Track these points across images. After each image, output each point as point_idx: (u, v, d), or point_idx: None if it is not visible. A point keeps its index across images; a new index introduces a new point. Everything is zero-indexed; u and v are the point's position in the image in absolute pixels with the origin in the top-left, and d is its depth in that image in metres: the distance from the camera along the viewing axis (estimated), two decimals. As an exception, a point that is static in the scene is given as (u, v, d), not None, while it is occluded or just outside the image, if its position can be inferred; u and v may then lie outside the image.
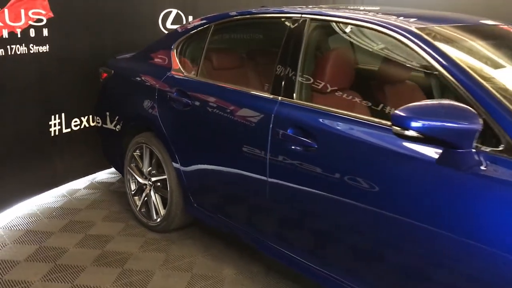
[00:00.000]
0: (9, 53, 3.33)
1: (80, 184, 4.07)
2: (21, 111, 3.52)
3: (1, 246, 3.04)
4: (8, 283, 2.65)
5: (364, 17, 2.28)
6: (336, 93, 2.40)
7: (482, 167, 1.70)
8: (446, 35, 2.19)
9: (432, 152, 1.81)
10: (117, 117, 3.44)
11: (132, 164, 3.38)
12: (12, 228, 3.28)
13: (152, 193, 3.24)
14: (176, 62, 3.09)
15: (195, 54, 3.04)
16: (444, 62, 1.92)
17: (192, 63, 3.05)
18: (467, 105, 1.76)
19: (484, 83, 1.83)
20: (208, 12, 3.19)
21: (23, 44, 3.44)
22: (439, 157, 1.77)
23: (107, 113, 3.57)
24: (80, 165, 4.07)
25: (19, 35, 3.38)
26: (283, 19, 2.58)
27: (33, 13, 3.48)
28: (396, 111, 1.71)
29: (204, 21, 3.03)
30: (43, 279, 2.71)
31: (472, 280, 1.72)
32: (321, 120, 2.18)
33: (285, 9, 2.62)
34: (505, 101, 1.77)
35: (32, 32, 3.48)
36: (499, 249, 1.63)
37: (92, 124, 4.03)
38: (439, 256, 1.79)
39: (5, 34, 3.28)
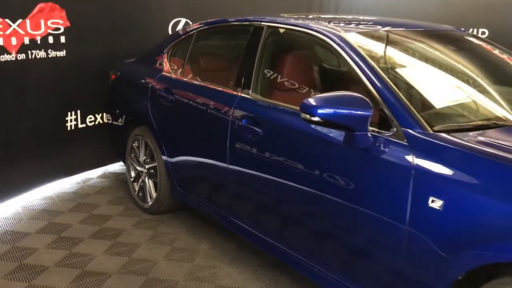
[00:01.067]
0: (30, 57, 3.91)
1: (93, 173, 4.63)
2: (41, 108, 4.09)
3: (18, 221, 3.60)
4: (18, 249, 3.19)
5: (305, 24, 2.69)
6: (284, 88, 2.80)
7: (376, 147, 2.08)
8: (370, 38, 2.57)
9: (340, 135, 2.19)
10: (121, 113, 3.96)
11: (132, 154, 3.89)
12: (29, 208, 3.85)
13: (146, 179, 3.73)
14: (166, 64, 3.59)
15: (182, 57, 3.52)
16: (356, 59, 2.31)
17: (178, 65, 3.53)
18: (370, 96, 2.14)
19: (385, 78, 2.21)
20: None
21: (43, 50, 4.01)
22: (343, 139, 2.16)
23: (117, 111, 4.09)
24: (93, 157, 4.62)
25: (39, 42, 3.96)
26: (247, 26, 3.02)
27: (51, 23, 4.05)
28: (304, 100, 2.11)
29: (190, 28, 3.51)
30: (47, 247, 3.23)
31: (370, 242, 2.10)
32: (265, 111, 2.61)
33: (249, 17, 3.06)
34: (399, 93, 2.14)
35: (50, 39, 4.06)
36: (389, 218, 2.00)
37: (105, 120, 4.56)
38: (350, 222, 2.18)
39: (26, 41, 3.86)
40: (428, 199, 1.85)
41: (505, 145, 1.89)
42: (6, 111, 3.79)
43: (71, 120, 4.40)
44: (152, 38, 4.65)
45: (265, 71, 2.81)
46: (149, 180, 3.72)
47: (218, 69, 3.36)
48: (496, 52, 2.90)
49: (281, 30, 2.86)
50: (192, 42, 3.45)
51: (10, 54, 3.74)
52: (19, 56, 3.82)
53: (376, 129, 2.13)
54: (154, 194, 3.68)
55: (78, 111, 4.45)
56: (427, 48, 2.71)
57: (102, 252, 3.18)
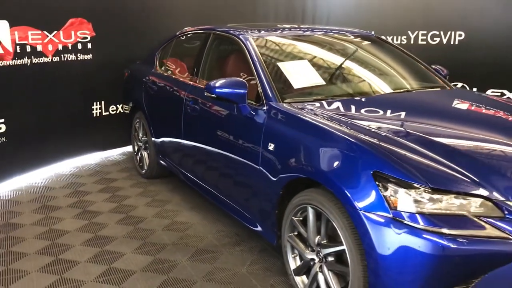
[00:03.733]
0: (63, 60, 5.30)
1: (114, 152, 5.98)
2: (71, 99, 5.48)
3: (49, 189, 4.95)
4: (46, 209, 4.54)
5: (229, 30, 3.84)
6: (216, 76, 3.93)
7: (251, 114, 3.19)
8: (268, 41, 3.67)
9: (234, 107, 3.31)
10: (128, 102, 5.27)
11: (134, 133, 5.18)
12: (59, 177, 5.22)
13: (143, 151, 5.00)
14: (156, 62, 4.85)
15: (166, 57, 4.76)
16: (253, 54, 3.42)
17: (163, 63, 4.78)
18: (257, 80, 3.24)
19: (264, 67, 3.30)
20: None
21: (73, 54, 5.40)
22: (235, 109, 3.30)
23: (127, 101, 5.40)
24: (114, 139, 5.97)
25: (69, 48, 5.35)
26: (202, 33, 4.22)
27: (80, 33, 5.44)
28: (207, 83, 3.27)
29: (172, 36, 4.75)
30: (66, 196, 4.57)
31: (246, 180, 3.21)
32: (201, 93, 3.77)
33: (202, 27, 4.25)
34: (270, 78, 3.23)
35: (79, 46, 5.45)
36: (252, 162, 3.09)
37: (123, 110, 5.89)
38: (236, 167, 3.30)
39: (60, 47, 5.26)
40: (269, 145, 2.95)
41: (320, 111, 2.94)
42: (42, 100, 5.18)
43: (96, 109, 5.77)
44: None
45: (207, 65, 3.98)
46: (145, 152, 4.99)
47: (185, 65, 4.55)
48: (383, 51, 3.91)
49: (218, 35, 4.02)
50: (172, 45, 4.69)
51: (47, 57, 5.15)
52: (54, 59, 5.21)
53: (254, 102, 3.24)
54: (147, 163, 4.94)
55: (103, 102, 5.83)
56: (311, 47, 3.77)
57: (102, 199, 4.47)
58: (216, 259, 3.39)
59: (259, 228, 3.21)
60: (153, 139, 4.67)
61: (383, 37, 4.62)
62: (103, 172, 5.26)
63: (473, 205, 2.20)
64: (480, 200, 2.21)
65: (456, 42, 6.71)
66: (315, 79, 3.35)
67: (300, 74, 3.36)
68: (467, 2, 6.62)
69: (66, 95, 5.42)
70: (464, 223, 2.15)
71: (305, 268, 2.79)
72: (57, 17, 5.21)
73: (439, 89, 3.76)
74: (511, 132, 2.85)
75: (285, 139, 2.87)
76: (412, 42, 6.97)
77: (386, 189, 2.25)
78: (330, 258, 2.59)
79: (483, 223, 2.15)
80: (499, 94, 6.60)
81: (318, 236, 2.66)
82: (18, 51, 4.81)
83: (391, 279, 2.22)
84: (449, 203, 2.19)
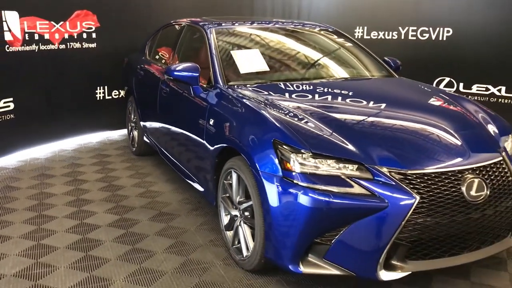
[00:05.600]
0: (68, 48, 6.00)
1: (115, 133, 6.66)
2: (77, 84, 6.18)
3: (49, 161, 5.67)
4: (42, 176, 5.25)
5: (197, 21, 4.42)
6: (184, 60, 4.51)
7: (204, 94, 3.76)
8: (229, 32, 4.23)
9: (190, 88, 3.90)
10: (124, 87, 5.93)
11: (128, 115, 5.83)
12: (61, 151, 5.93)
13: (134, 131, 5.65)
14: (146, 51, 5.48)
15: (153, 46, 5.39)
16: (211, 43, 3.99)
17: (151, 52, 5.40)
18: (210, 65, 3.81)
19: (217, 55, 3.87)
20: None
21: (78, 42, 6.09)
22: (191, 91, 3.88)
23: (125, 88, 6.06)
24: (116, 121, 6.64)
25: (75, 37, 6.05)
26: (178, 24, 4.82)
27: (85, 24, 6.13)
28: (167, 67, 3.85)
29: (159, 27, 5.37)
30: (61, 168, 5.26)
31: (198, 153, 3.77)
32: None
33: (180, 20, 4.85)
34: (220, 64, 3.79)
35: (84, 35, 6.13)
36: (199, 137, 3.67)
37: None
38: (191, 143, 3.87)
39: (66, 36, 5.96)
40: (210, 120, 3.52)
41: (252, 93, 3.48)
42: (49, 83, 5.89)
43: (99, 93, 6.47)
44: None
45: (180, 53, 4.57)
46: (135, 132, 5.63)
47: (166, 53, 5.15)
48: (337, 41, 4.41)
49: (190, 27, 4.60)
50: (158, 36, 5.31)
51: (54, 44, 5.85)
52: (60, 46, 5.91)
53: (206, 85, 3.81)
54: (137, 142, 5.58)
55: (106, 87, 6.51)
56: (267, 38, 4.30)
57: (92, 171, 5.14)
58: (172, 220, 3.98)
59: (203, 191, 3.79)
60: (139, 119, 5.31)
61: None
62: (101, 149, 5.93)
63: (349, 168, 2.70)
64: (355, 165, 2.71)
65: (444, 38, 7.08)
66: (261, 65, 3.88)
67: (249, 61, 3.90)
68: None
69: (71, 79, 6.12)
70: (337, 182, 2.66)
71: (232, 224, 3.34)
72: (64, 9, 5.90)
73: (379, 78, 4.21)
74: (415, 114, 3.32)
75: (219, 115, 3.43)
76: (402, 37, 7.37)
77: (281, 153, 2.78)
78: (246, 213, 3.13)
79: (352, 183, 2.65)
80: (484, 89, 6.94)
81: (239, 196, 3.20)
82: (27, 38, 5.52)
83: (279, 227, 2.75)
84: (328, 166, 2.70)
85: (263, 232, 2.88)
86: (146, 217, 4.02)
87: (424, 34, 7.23)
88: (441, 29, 7.11)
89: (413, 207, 2.60)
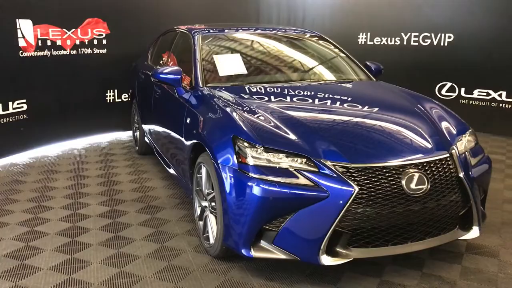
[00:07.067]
0: (80, 53, 6.45)
1: (124, 134, 7.07)
2: (88, 87, 6.62)
3: (58, 158, 6.10)
4: (48, 172, 5.68)
5: (187, 28, 4.75)
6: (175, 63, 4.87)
7: (186, 95, 4.09)
8: (215, 37, 4.55)
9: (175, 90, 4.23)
10: (129, 90, 6.33)
11: (133, 116, 6.23)
12: (70, 150, 6.36)
13: (137, 132, 6.04)
14: (148, 56, 5.87)
15: (153, 51, 5.77)
16: (196, 48, 4.32)
17: (151, 57, 5.78)
18: (193, 68, 4.14)
19: (199, 59, 4.19)
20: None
21: (89, 48, 6.54)
22: (175, 92, 4.22)
23: (130, 91, 6.46)
24: (125, 123, 7.05)
25: (86, 43, 6.49)
26: (174, 32, 5.17)
27: (96, 31, 6.57)
28: (154, 69, 4.21)
29: (160, 34, 5.75)
30: (68, 169, 5.67)
31: (179, 148, 4.10)
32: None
33: (176, 27, 5.20)
34: (201, 67, 4.12)
35: (95, 41, 6.57)
36: (179, 135, 3.99)
37: (133, 97, 6.95)
38: (174, 141, 4.20)
39: (77, 42, 6.40)
40: (187, 119, 3.84)
41: (225, 94, 3.78)
42: (61, 86, 6.34)
43: (110, 96, 6.89)
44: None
45: (174, 56, 4.93)
46: (138, 132, 6.01)
47: (164, 57, 5.50)
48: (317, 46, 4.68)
49: (182, 33, 4.95)
50: (158, 42, 5.69)
51: (66, 50, 6.30)
52: (72, 52, 6.37)
53: (189, 87, 4.14)
54: (139, 142, 5.96)
55: (116, 90, 6.93)
56: (251, 43, 4.60)
57: (95, 168, 5.53)
58: (157, 212, 4.31)
59: (184, 185, 4.11)
60: (141, 119, 5.68)
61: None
62: (107, 149, 6.34)
63: (297, 162, 2.97)
64: (303, 159, 2.98)
65: (446, 44, 7.23)
66: (240, 69, 4.19)
67: (229, 65, 4.21)
68: (456, 6, 7.12)
69: (82, 83, 6.56)
70: (284, 174, 2.93)
71: (202, 214, 3.64)
72: (76, 17, 6.35)
73: (352, 80, 4.45)
74: (372, 112, 3.56)
75: (194, 113, 3.75)
76: (405, 43, 7.55)
77: (238, 148, 3.08)
78: (212, 203, 3.43)
79: (298, 175, 2.92)
80: (485, 94, 7.05)
81: (207, 188, 3.51)
82: (40, 44, 5.98)
83: (234, 215, 3.04)
84: (278, 159, 2.98)
85: (222, 220, 3.17)
86: (134, 209, 4.36)
87: (426, 40, 7.40)
88: (443, 35, 7.26)
89: (352, 198, 2.84)
